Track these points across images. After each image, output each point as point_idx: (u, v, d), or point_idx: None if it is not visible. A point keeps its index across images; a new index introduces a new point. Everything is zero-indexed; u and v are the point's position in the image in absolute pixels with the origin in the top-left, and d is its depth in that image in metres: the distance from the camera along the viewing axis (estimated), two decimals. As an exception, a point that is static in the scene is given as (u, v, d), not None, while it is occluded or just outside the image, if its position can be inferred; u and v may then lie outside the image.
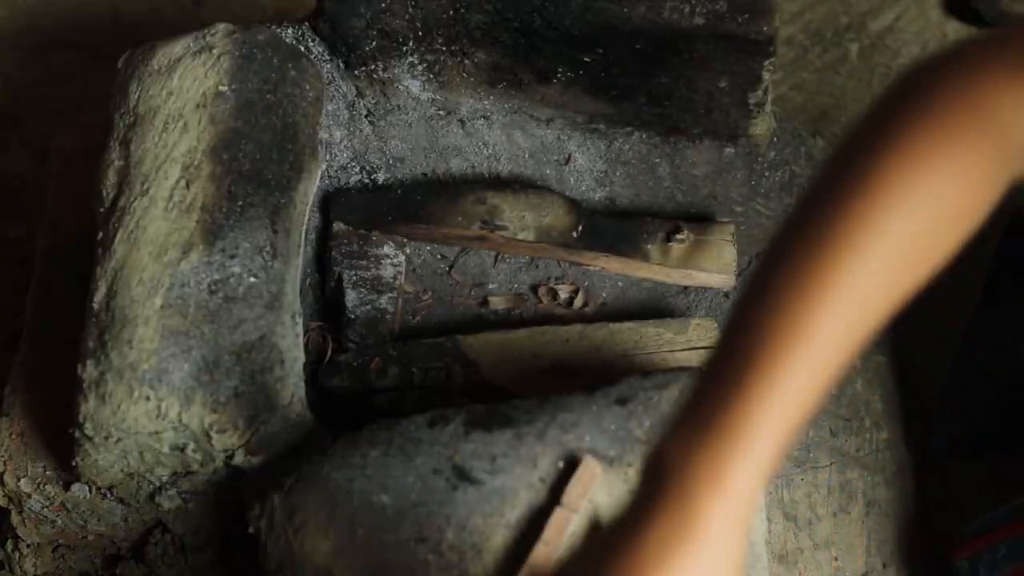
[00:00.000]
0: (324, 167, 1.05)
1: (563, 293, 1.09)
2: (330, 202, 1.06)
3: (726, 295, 1.12)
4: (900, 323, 1.20)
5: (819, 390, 0.68)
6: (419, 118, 1.12)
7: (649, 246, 1.10)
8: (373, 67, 1.07)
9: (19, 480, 0.93)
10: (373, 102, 1.10)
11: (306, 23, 1.06)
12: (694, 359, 1.01)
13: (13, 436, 0.94)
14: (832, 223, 0.67)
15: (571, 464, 0.80)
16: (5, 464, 0.93)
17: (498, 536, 0.78)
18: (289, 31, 1.05)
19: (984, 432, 1.12)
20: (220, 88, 0.95)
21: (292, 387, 0.87)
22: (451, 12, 1.04)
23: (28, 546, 0.99)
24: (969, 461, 1.14)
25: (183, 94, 0.95)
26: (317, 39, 1.06)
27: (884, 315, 0.70)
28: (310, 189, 0.97)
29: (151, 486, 0.91)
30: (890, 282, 0.69)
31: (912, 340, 1.26)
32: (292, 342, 0.88)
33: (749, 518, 0.69)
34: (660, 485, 0.69)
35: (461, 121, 1.12)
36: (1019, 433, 1.08)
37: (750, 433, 0.68)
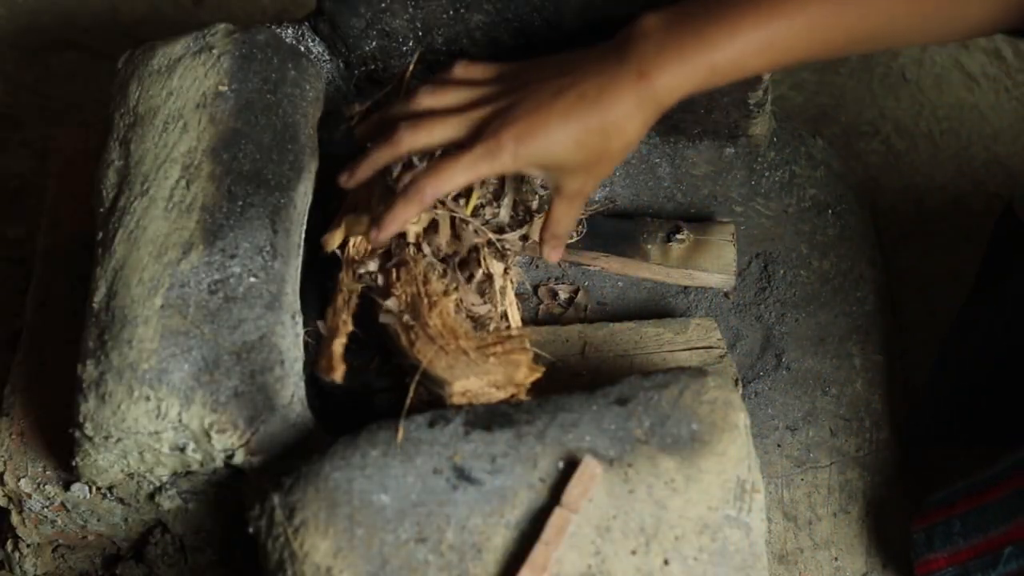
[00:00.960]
0: (324, 167, 1.05)
1: (563, 293, 1.10)
2: (330, 202, 1.06)
3: (726, 295, 1.12)
4: (901, 324, 1.21)
5: (784, 52, 0.85)
6: (419, 118, 1.11)
7: (649, 246, 1.10)
8: (373, 67, 1.07)
9: (19, 480, 0.93)
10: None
11: (306, 23, 1.06)
12: (694, 359, 1.01)
13: (13, 436, 0.94)
14: None
15: (571, 464, 0.80)
16: (5, 464, 0.93)
17: (498, 536, 0.78)
18: (289, 31, 1.05)
19: (969, 415, 1.13)
20: (220, 88, 0.95)
21: (292, 387, 0.87)
22: (451, 12, 1.04)
23: (28, 546, 0.99)
24: (947, 445, 1.14)
25: (183, 94, 0.95)
26: (317, 39, 1.06)
27: (872, 32, 0.86)
28: (310, 189, 0.97)
29: (151, 486, 0.91)
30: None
31: (912, 340, 1.26)
32: (292, 342, 0.88)
33: (657, 113, 0.86)
34: (623, 39, 0.86)
35: (461, 121, 1.12)
36: (1001, 421, 1.09)
37: (719, 43, 0.84)
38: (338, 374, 0.89)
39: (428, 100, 0.90)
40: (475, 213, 0.98)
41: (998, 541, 0.93)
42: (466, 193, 0.97)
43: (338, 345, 0.90)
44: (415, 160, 0.92)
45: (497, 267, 0.94)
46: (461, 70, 0.92)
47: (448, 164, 0.86)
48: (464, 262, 0.94)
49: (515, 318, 0.95)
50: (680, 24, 0.84)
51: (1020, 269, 1.08)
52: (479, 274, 0.93)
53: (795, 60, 0.87)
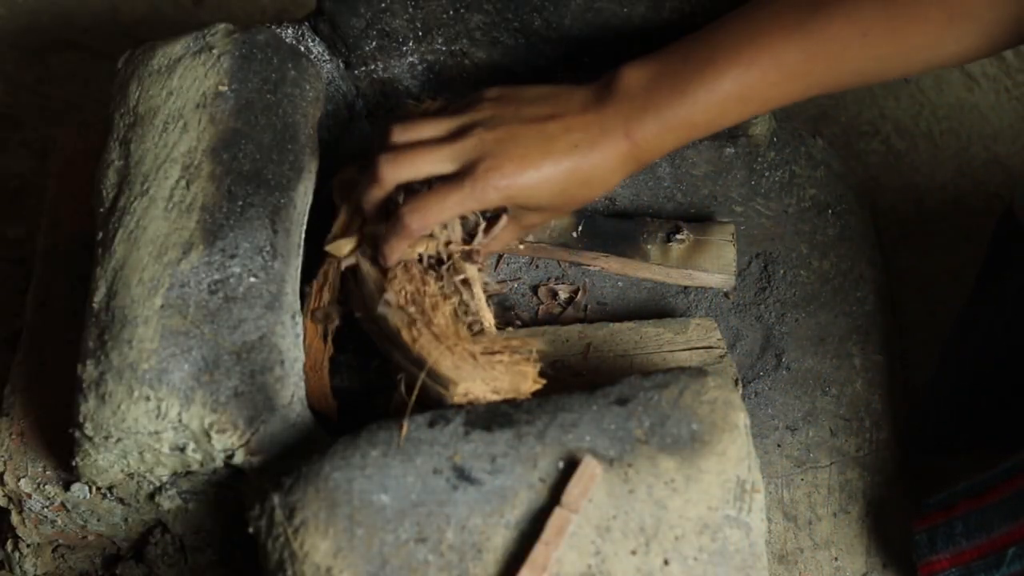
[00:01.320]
0: (324, 167, 1.05)
1: (563, 293, 1.10)
2: (330, 202, 1.06)
3: (726, 295, 1.12)
4: (901, 324, 1.21)
5: (762, 102, 0.87)
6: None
7: (649, 246, 1.10)
8: (373, 67, 1.07)
9: (19, 480, 0.93)
10: (373, 102, 1.10)
11: (306, 23, 1.06)
12: (694, 359, 1.01)
13: (13, 436, 0.94)
14: None
15: (571, 464, 0.80)
16: (5, 464, 0.93)
17: (498, 536, 0.78)
18: (289, 31, 1.05)
19: (969, 415, 1.13)
20: (220, 88, 0.95)
21: (292, 387, 0.87)
22: (451, 12, 1.04)
23: (28, 546, 0.99)
24: (950, 452, 1.14)
25: (183, 94, 0.95)
26: (317, 39, 1.06)
27: (850, 72, 0.88)
28: (310, 189, 0.97)
29: (151, 486, 0.91)
30: (867, 43, 0.85)
31: (912, 340, 1.26)
32: (292, 342, 0.88)
33: (638, 168, 0.90)
34: (607, 91, 0.88)
35: (461, 121, 1.12)
36: (1001, 423, 1.09)
37: (697, 99, 0.86)
38: (331, 408, 0.91)
39: (403, 136, 0.90)
40: None
41: (1001, 542, 0.93)
42: None
43: (324, 374, 0.92)
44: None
45: (471, 270, 0.94)
46: (431, 104, 0.94)
47: (435, 200, 0.87)
48: (449, 268, 0.95)
49: (488, 320, 0.95)
50: (660, 82, 0.87)
51: (1020, 270, 1.08)
52: (459, 279, 0.94)
53: (773, 107, 0.89)
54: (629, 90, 0.88)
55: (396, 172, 0.88)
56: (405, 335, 0.88)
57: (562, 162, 0.87)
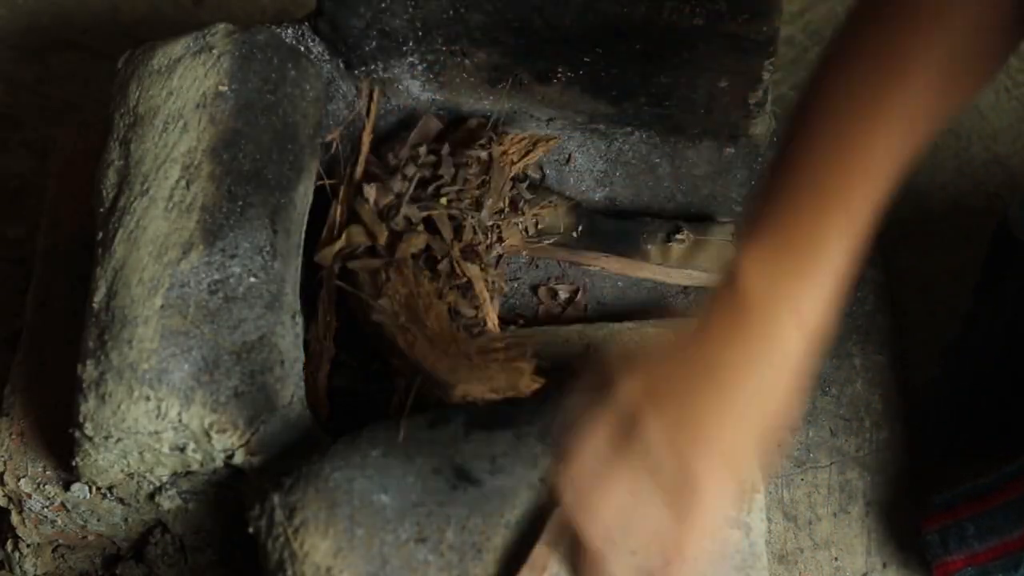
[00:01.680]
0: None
1: (563, 293, 1.09)
2: (330, 202, 1.06)
3: (726, 295, 1.12)
4: (901, 324, 1.21)
5: (874, 215, 0.74)
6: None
7: (649, 246, 1.10)
8: (373, 67, 1.07)
9: (19, 480, 0.93)
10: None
11: (306, 23, 1.06)
12: (694, 359, 1.00)
13: (13, 436, 0.94)
14: (874, 51, 0.72)
15: (571, 464, 0.80)
16: (5, 464, 0.93)
17: (498, 536, 0.78)
18: (289, 31, 1.05)
19: (969, 415, 1.13)
20: (220, 88, 0.95)
21: (292, 387, 0.87)
22: (451, 12, 1.04)
23: (28, 546, 0.99)
24: (950, 452, 1.14)
25: (183, 94, 0.95)
26: (317, 39, 1.06)
27: (930, 133, 0.75)
28: (310, 189, 0.97)
29: (151, 486, 0.91)
30: (933, 101, 0.74)
31: (912, 340, 1.26)
32: (292, 342, 0.88)
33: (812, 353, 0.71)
34: (740, 312, 0.70)
35: (461, 121, 1.12)
36: (1002, 423, 1.09)
37: (824, 263, 0.71)
38: (323, 408, 0.91)
39: None
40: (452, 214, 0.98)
41: (1016, 545, 0.94)
42: (436, 193, 0.97)
43: (322, 377, 0.92)
44: None
45: (473, 270, 0.94)
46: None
47: None
48: (450, 268, 0.95)
49: (492, 319, 0.95)
50: (780, 267, 0.71)
51: (1019, 272, 1.08)
52: (461, 279, 0.94)
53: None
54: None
55: None
56: (400, 341, 0.88)
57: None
